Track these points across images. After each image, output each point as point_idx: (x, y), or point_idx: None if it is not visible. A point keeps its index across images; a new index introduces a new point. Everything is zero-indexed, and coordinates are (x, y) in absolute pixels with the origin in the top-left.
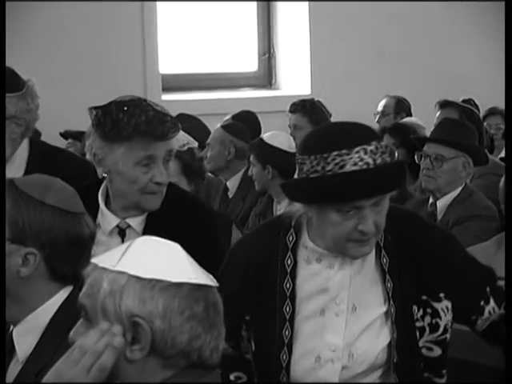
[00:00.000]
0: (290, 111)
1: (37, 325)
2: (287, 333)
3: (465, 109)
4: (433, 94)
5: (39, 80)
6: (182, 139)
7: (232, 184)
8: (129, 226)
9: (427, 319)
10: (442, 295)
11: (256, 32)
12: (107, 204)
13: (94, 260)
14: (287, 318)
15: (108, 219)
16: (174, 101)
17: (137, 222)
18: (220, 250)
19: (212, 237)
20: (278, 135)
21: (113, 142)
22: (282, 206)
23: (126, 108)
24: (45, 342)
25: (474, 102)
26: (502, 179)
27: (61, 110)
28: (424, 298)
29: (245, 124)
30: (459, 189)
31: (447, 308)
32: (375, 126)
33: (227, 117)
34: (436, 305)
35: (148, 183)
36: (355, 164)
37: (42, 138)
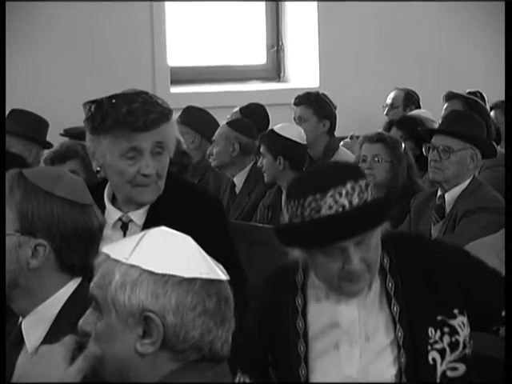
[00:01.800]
0: (295, 104)
1: (46, 316)
2: (303, 372)
3: (469, 100)
4: (441, 87)
5: (48, 74)
6: None
7: (239, 180)
8: (131, 220)
9: (446, 339)
10: (455, 311)
11: (264, 25)
12: (114, 199)
13: (105, 250)
14: (302, 356)
15: (111, 213)
16: (182, 93)
17: (137, 215)
18: (223, 236)
19: (215, 225)
20: (289, 127)
21: (99, 135)
22: None
23: (114, 101)
24: (54, 333)
25: (481, 94)
26: None
27: (70, 103)
28: (439, 318)
29: (253, 116)
30: (467, 181)
31: (463, 323)
32: (384, 119)
33: (235, 109)
34: (452, 322)
35: (136, 175)
36: (330, 208)
37: (52, 132)
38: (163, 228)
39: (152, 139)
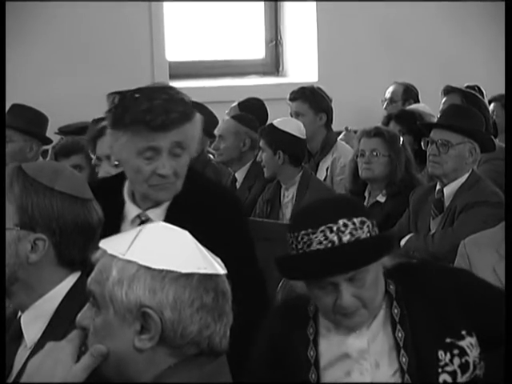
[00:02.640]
0: (290, 99)
1: (45, 310)
2: (314, 376)
3: (467, 94)
4: (440, 81)
5: (47, 70)
6: None
7: (240, 175)
8: (149, 219)
9: (456, 361)
10: (463, 332)
11: (263, 19)
12: (134, 195)
13: (102, 245)
14: (312, 362)
15: (130, 210)
16: (181, 88)
17: (156, 214)
18: (243, 237)
19: (235, 225)
20: (288, 121)
21: (118, 130)
22: (289, 193)
23: (137, 95)
24: (53, 327)
25: (479, 88)
26: None
27: (69, 98)
28: (448, 340)
29: (252, 111)
30: (466, 175)
31: (471, 344)
32: (382, 113)
33: (234, 104)
34: (461, 343)
35: (152, 175)
36: (320, 243)
37: (52, 127)
38: (160, 223)
39: (171, 139)
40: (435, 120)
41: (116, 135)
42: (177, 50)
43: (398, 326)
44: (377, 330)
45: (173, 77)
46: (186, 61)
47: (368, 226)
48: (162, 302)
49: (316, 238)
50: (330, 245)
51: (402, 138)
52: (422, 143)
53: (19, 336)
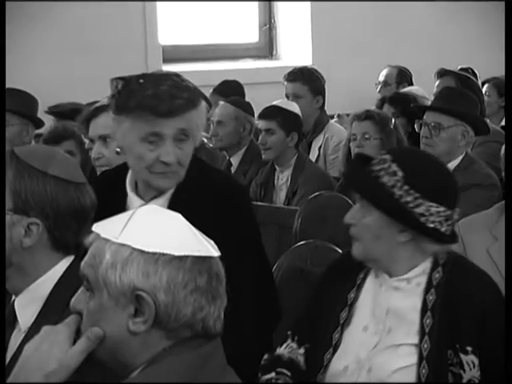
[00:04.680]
0: (289, 80)
1: (39, 294)
2: (337, 336)
3: (461, 76)
4: (433, 64)
5: (40, 53)
6: None
7: (235, 160)
8: None
9: (457, 368)
10: (469, 349)
11: (257, 2)
12: (137, 187)
13: (95, 228)
14: (341, 323)
15: (132, 201)
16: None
17: (159, 204)
18: (250, 227)
19: (241, 215)
20: (290, 103)
21: (121, 115)
22: (284, 176)
23: (141, 81)
24: (47, 311)
25: (472, 70)
26: (503, 147)
27: (62, 81)
28: (457, 346)
29: (234, 94)
30: (460, 158)
31: (473, 363)
32: (376, 96)
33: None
34: (462, 356)
35: (155, 162)
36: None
37: (42, 110)
38: (153, 206)
39: (175, 126)
40: (429, 103)
41: (119, 120)
42: (170, 33)
43: (429, 313)
44: (405, 304)
45: (166, 61)
46: (179, 44)
47: (397, 181)
48: (156, 284)
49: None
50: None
51: (394, 120)
52: (416, 125)
53: (13, 320)
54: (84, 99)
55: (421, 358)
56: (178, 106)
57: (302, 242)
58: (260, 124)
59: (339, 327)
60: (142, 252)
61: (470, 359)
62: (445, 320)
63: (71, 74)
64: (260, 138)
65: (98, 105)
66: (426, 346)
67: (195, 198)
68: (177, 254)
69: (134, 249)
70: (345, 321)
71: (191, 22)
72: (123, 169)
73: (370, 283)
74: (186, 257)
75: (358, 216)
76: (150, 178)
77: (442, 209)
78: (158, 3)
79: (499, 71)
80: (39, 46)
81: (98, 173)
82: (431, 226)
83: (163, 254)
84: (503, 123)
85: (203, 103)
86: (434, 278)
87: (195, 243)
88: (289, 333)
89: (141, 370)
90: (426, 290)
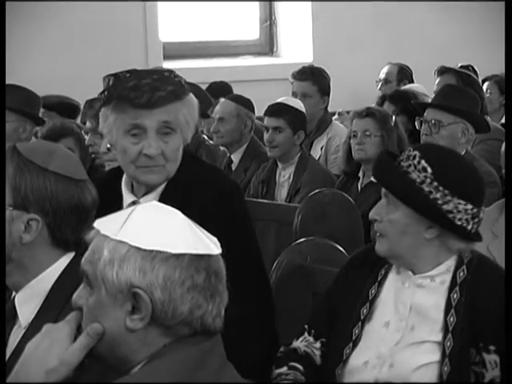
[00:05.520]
0: (299, 79)
1: (39, 291)
2: (357, 331)
3: (462, 74)
4: (433, 62)
5: (40, 49)
6: None
7: (236, 157)
8: None
9: (480, 366)
10: (492, 348)
11: None
12: (132, 185)
13: (96, 225)
14: (361, 318)
15: (125, 197)
16: (175, 69)
17: (148, 200)
18: (241, 226)
19: (232, 213)
20: (296, 100)
21: (106, 108)
22: (286, 173)
23: (128, 74)
24: (47, 307)
25: (472, 67)
26: (503, 144)
27: (63, 77)
28: (481, 345)
29: (222, 95)
30: None
31: (495, 363)
32: (377, 94)
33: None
34: (485, 355)
35: (138, 155)
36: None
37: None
38: (154, 202)
39: (158, 118)
40: (429, 100)
41: (105, 115)
42: (171, 30)
43: (453, 311)
44: (429, 301)
45: (167, 57)
46: (179, 41)
47: (426, 177)
48: (152, 282)
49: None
50: (400, 165)
51: (394, 118)
52: (416, 123)
53: (13, 316)
54: (84, 95)
55: (443, 356)
56: (158, 97)
57: (302, 239)
58: (267, 122)
59: (359, 322)
60: (139, 249)
61: (492, 359)
62: (468, 319)
63: (71, 70)
64: (267, 135)
65: None
66: (449, 343)
67: (186, 195)
68: (174, 251)
69: (132, 246)
70: (365, 316)
71: (192, 19)
72: (115, 171)
73: (391, 280)
74: (184, 255)
75: (384, 212)
76: (136, 173)
77: (469, 206)
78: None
79: (499, 69)
80: (39, 42)
81: (107, 167)
82: (458, 223)
83: (160, 252)
84: (503, 121)
85: (192, 98)
86: (458, 276)
87: (193, 241)
88: (305, 326)
89: (141, 366)
90: (451, 289)
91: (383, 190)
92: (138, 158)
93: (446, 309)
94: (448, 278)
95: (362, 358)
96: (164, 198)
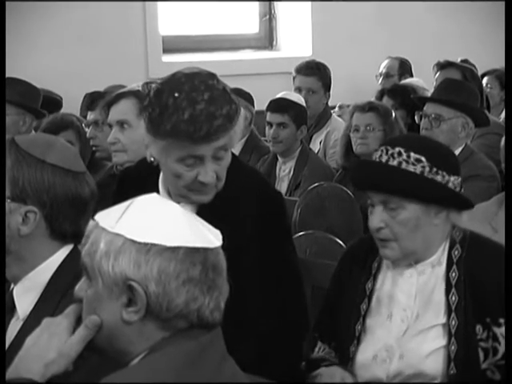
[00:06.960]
0: (305, 74)
1: (37, 283)
2: (359, 327)
3: (466, 69)
4: (432, 56)
5: (40, 43)
6: None
7: (236, 150)
8: None
9: (490, 342)
10: (502, 321)
11: None
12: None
13: (97, 217)
14: (362, 314)
15: None
16: (174, 62)
17: (188, 207)
18: (282, 235)
19: (274, 222)
20: (296, 95)
21: (155, 136)
22: (286, 167)
23: (176, 94)
24: (45, 299)
25: (470, 62)
26: (503, 139)
27: (62, 71)
28: (488, 320)
29: None
30: (459, 149)
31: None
32: (376, 88)
33: None
34: (495, 329)
35: (194, 180)
36: (375, 158)
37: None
38: (153, 194)
39: (215, 146)
40: (429, 94)
41: (153, 138)
42: (170, 24)
43: (453, 290)
44: (430, 287)
45: (166, 51)
46: (179, 35)
47: (423, 167)
48: (147, 275)
49: (376, 153)
50: (378, 161)
51: (394, 113)
52: (416, 117)
53: (12, 308)
54: (84, 89)
55: (449, 336)
56: (216, 127)
57: (301, 233)
58: (271, 117)
59: (361, 318)
60: (134, 242)
61: (503, 331)
62: (470, 295)
63: (71, 64)
64: (272, 131)
65: (120, 91)
66: (453, 323)
67: (227, 204)
68: (169, 244)
69: (127, 239)
70: (366, 312)
71: (191, 13)
72: (146, 167)
73: (386, 271)
74: (179, 248)
75: (388, 217)
76: (187, 194)
77: (457, 177)
78: None
79: (498, 63)
80: (39, 36)
81: (114, 158)
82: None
83: (155, 245)
84: (503, 115)
85: (241, 111)
86: (453, 255)
87: (190, 234)
88: (316, 335)
89: (140, 359)
90: (448, 268)
91: (378, 198)
92: (192, 183)
93: (447, 289)
94: (444, 259)
95: (370, 353)
96: (204, 207)
